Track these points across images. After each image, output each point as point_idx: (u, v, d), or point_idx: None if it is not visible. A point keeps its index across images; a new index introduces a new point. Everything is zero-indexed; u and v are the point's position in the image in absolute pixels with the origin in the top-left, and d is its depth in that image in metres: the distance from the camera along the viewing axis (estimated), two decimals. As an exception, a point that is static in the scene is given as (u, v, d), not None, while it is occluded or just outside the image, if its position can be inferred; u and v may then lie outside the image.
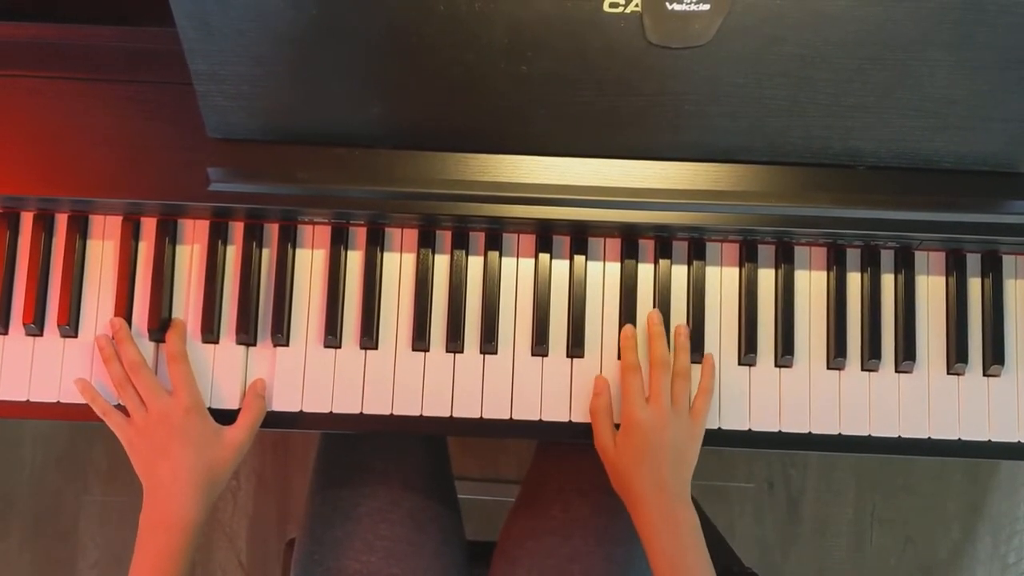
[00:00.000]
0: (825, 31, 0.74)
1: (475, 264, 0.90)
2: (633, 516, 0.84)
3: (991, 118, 0.80)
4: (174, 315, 0.88)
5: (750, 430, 0.88)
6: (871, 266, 0.90)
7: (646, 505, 0.82)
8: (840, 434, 0.88)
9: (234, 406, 0.87)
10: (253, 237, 0.88)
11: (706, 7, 0.71)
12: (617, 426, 0.86)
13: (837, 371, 0.89)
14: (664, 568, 0.81)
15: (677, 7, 0.71)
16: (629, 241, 0.90)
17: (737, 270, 0.90)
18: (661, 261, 0.89)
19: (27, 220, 0.89)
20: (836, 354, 0.88)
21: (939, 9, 0.73)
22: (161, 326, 0.88)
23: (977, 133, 0.81)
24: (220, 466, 0.84)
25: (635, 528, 0.83)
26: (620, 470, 0.84)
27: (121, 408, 0.85)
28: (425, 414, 0.88)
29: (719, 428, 0.88)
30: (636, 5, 0.71)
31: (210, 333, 0.88)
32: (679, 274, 0.90)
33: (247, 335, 0.87)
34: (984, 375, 0.90)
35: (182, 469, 0.81)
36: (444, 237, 0.90)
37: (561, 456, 1.02)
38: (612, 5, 0.71)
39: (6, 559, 1.63)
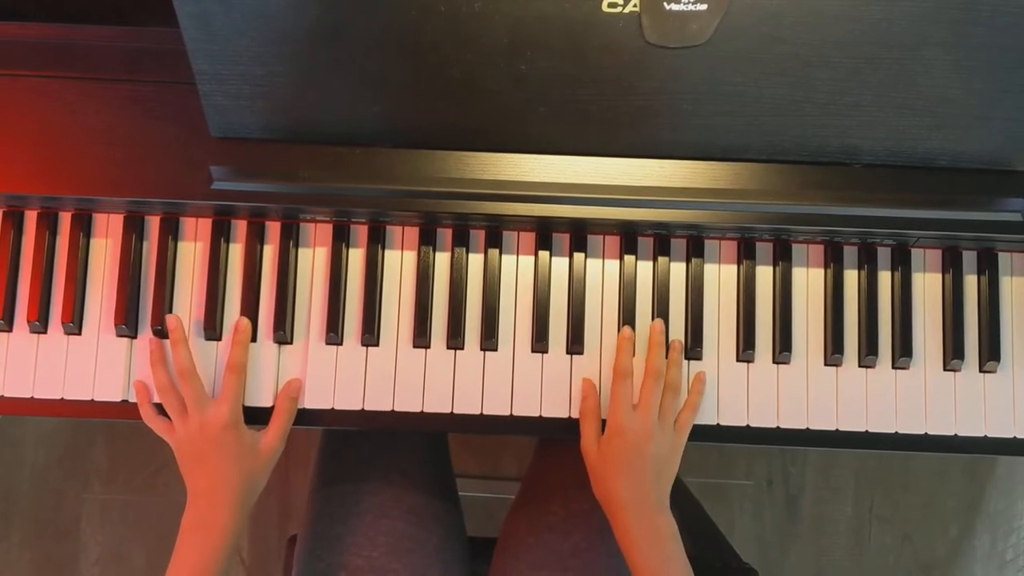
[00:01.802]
0: (822, 31, 0.75)
1: (475, 262, 0.90)
2: (613, 524, 0.84)
3: (987, 117, 0.80)
4: (177, 312, 0.88)
5: (748, 426, 0.89)
6: (868, 263, 0.90)
7: (626, 513, 0.83)
8: (837, 430, 0.89)
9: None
10: (255, 235, 0.89)
11: (703, 7, 0.71)
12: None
13: (834, 367, 0.90)
14: (643, 573, 0.81)
15: (675, 7, 0.71)
16: (628, 239, 0.90)
17: (735, 267, 0.91)
18: (660, 259, 0.90)
19: (31, 218, 0.90)
20: (833, 351, 0.89)
21: (935, 9, 0.73)
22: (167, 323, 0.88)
23: (973, 131, 0.81)
24: (257, 474, 0.85)
25: (616, 539, 0.84)
26: (601, 475, 0.85)
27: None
28: (426, 410, 0.88)
29: (718, 424, 0.89)
30: (634, 5, 0.72)
31: (212, 331, 0.88)
32: (678, 271, 0.90)
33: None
34: (980, 371, 0.90)
35: (220, 479, 0.82)
36: (445, 235, 0.90)
37: (561, 452, 1.02)
38: (611, 5, 0.72)
39: (7, 558, 1.63)
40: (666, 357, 0.89)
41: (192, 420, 0.84)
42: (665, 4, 0.71)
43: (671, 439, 0.86)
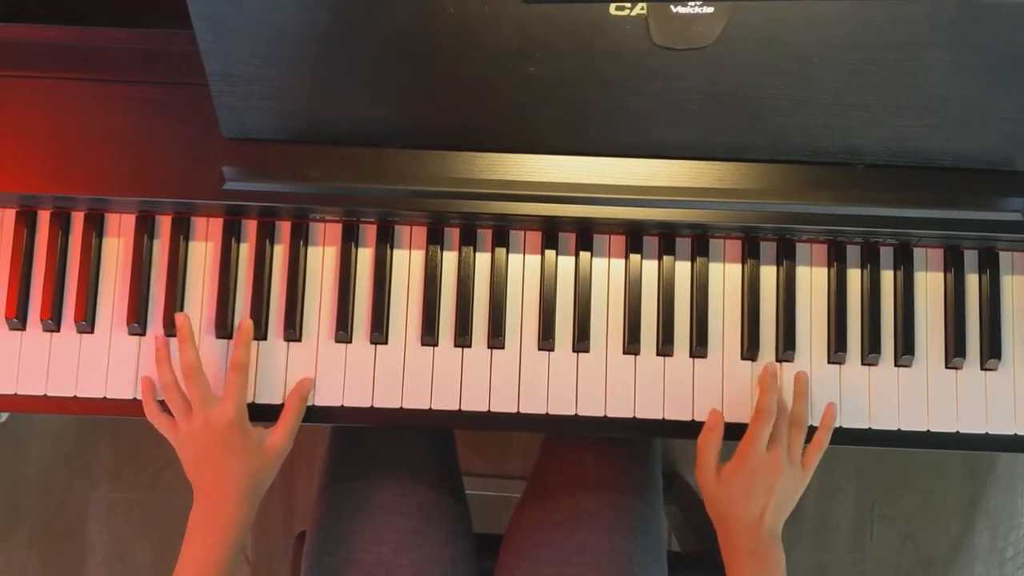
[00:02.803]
0: (825, 32, 0.76)
1: (483, 260, 0.91)
2: (723, 545, 0.86)
3: (987, 117, 0.81)
4: (188, 312, 0.90)
5: (752, 423, 0.90)
6: (871, 262, 0.91)
7: (739, 538, 0.84)
8: (840, 427, 0.90)
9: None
10: (266, 234, 0.90)
11: (710, 10, 0.72)
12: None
13: (838, 366, 0.91)
14: None
15: (681, 10, 0.72)
16: (633, 238, 0.91)
17: (740, 266, 0.92)
18: (665, 258, 0.91)
19: (44, 218, 0.91)
20: (837, 349, 0.90)
21: (937, 10, 0.74)
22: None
23: (974, 131, 0.82)
24: (263, 471, 0.85)
25: (721, 555, 0.85)
26: (721, 501, 0.86)
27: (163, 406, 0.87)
28: (434, 407, 0.89)
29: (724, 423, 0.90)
30: (641, 8, 0.72)
31: (223, 329, 0.89)
32: (682, 270, 0.92)
33: (259, 331, 0.89)
34: (981, 369, 0.91)
35: (227, 478, 0.83)
36: (452, 234, 0.91)
37: (567, 450, 1.03)
38: (618, 8, 0.73)
39: (14, 556, 1.64)
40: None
41: (196, 417, 0.84)
42: (672, 7, 0.72)
43: (799, 476, 0.86)
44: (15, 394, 0.89)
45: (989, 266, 0.92)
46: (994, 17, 0.75)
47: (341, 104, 0.81)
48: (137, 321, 0.89)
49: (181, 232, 0.90)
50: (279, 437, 0.86)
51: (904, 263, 0.92)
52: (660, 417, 0.90)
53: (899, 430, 0.90)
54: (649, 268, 0.91)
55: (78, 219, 0.91)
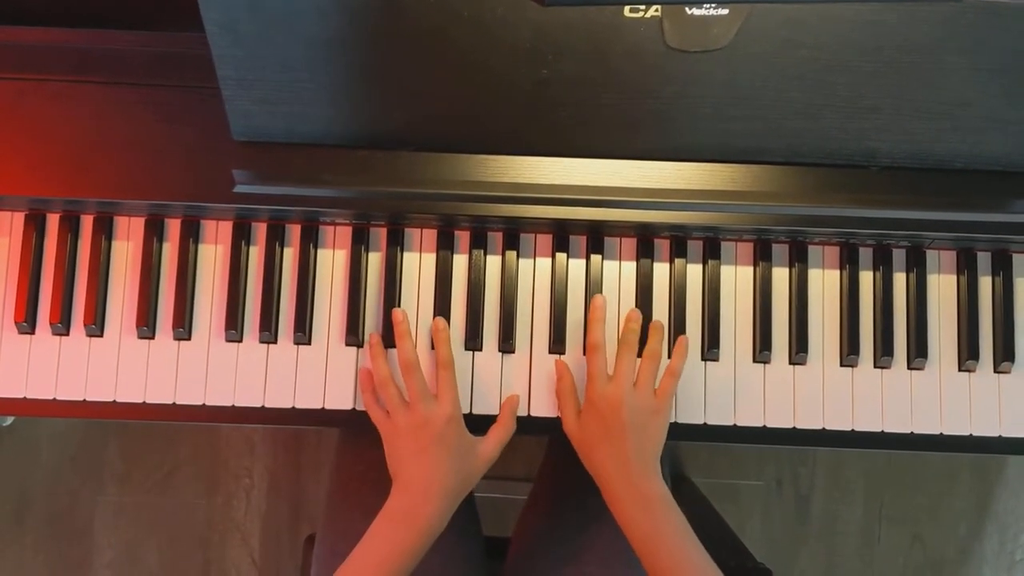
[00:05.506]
0: (842, 35, 0.75)
1: (493, 264, 0.91)
2: (603, 493, 0.85)
3: (1003, 120, 0.81)
4: (197, 315, 0.89)
5: (765, 427, 0.90)
6: (883, 265, 0.91)
7: (611, 480, 0.83)
8: (853, 430, 0.90)
9: (254, 403, 0.89)
10: (276, 238, 0.90)
11: (725, 12, 0.72)
12: None
13: (850, 368, 0.90)
14: (637, 540, 0.82)
15: (696, 12, 0.72)
16: (645, 241, 0.91)
17: (752, 269, 0.91)
18: (676, 260, 0.91)
19: (53, 221, 0.90)
20: (849, 351, 0.90)
21: (954, 14, 0.74)
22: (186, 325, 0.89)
23: (989, 134, 0.82)
24: (471, 476, 0.85)
25: (614, 517, 0.84)
26: (585, 447, 0.86)
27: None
28: (445, 411, 0.89)
29: (735, 425, 0.89)
30: (656, 10, 0.72)
31: (233, 332, 0.89)
32: (694, 273, 0.91)
33: (269, 334, 0.89)
34: (995, 372, 0.91)
35: (437, 475, 0.83)
36: (462, 237, 0.91)
37: (574, 452, 1.03)
38: (632, 10, 0.72)
39: (21, 559, 1.64)
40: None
41: (416, 412, 0.84)
42: (687, 9, 0.71)
43: (649, 402, 0.85)
44: (24, 398, 0.89)
45: (1002, 268, 0.91)
46: (1009, 20, 0.74)
47: (354, 108, 0.81)
48: (147, 324, 0.88)
49: (191, 235, 0.90)
50: (491, 446, 0.86)
51: (917, 265, 0.91)
52: (672, 420, 0.89)
53: (912, 433, 0.90)
54: (661, 271, 0.91)
55: (87, 222, 0.90)
